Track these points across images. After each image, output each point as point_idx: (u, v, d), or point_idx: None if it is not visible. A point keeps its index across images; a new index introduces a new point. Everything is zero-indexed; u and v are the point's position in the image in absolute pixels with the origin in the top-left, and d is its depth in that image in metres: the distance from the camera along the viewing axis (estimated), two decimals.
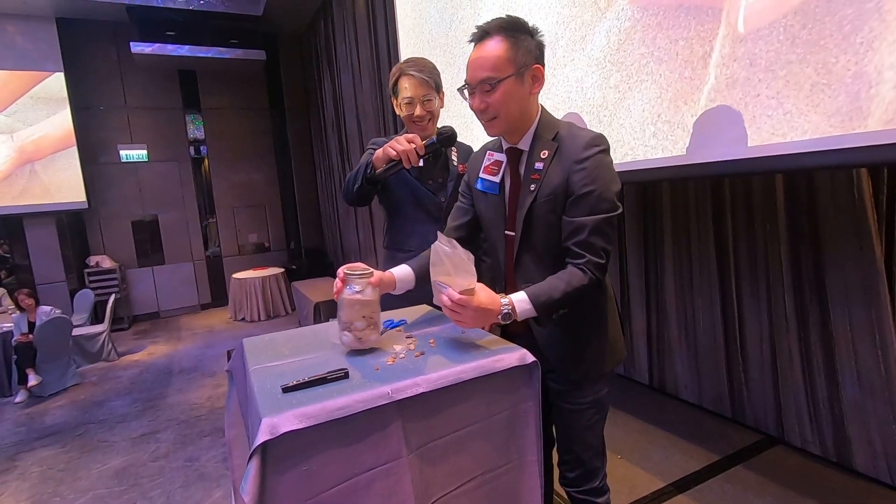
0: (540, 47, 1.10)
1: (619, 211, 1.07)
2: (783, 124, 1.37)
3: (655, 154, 1.74)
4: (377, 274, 1.14)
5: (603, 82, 1.90)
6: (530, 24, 1.09)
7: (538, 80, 1.10)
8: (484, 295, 1.02)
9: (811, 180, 1.98)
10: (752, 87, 1.44)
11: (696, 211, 2.49)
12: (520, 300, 1.04)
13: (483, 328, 1.15)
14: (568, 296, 1.04)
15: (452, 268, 1.02)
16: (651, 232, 2.77)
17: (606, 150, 1.07)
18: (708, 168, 1.60)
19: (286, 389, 0.89)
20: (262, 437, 0.76)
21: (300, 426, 0.79)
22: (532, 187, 1.11)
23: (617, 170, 1.85)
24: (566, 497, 1.27)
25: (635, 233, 2.85)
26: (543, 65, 1.11)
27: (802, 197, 2.02)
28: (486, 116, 1.11)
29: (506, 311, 1.03)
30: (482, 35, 1.08)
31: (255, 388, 0.92)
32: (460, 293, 1.00)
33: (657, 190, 2.67)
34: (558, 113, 2.11)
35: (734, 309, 2.37)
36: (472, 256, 1.03)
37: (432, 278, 1.07)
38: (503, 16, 1.08)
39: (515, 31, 1.06)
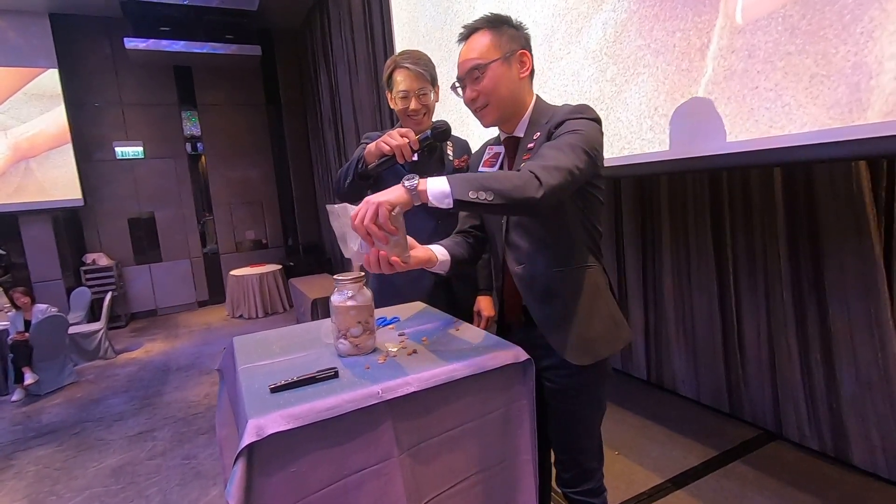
0: (526, 38, 1.14)
1: (588, 154, 0.98)
2: (782, 116, 1.35)
3: (653, 148, 1.72)
4: (419, 249, 1.07)
5: (599, 75, 1.88)
6: (514, 20, 1.13)
7: (525, 64, 1.12)
8: None
9: (809, 174, 1.96)
10: (750, 79, 1.41)
11: (693, 205, 2.47)
12: (434, 177, 0.91)
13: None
14: (493, 178, 0.89)
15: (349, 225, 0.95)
16: (649, 226, 2.75)
17: (593, 119, 1.05)
18: (705, 161, 1.58)
19: (274, 389, 0.87)
20: (248, 439, 0.75)
21: (287, 427, 0.78)
22: (522, 166, 1.10)
23: (614, 164, 1.86)
24: (563, 496, 1.25)
25: (633, 227, 2.83)
26: (530, 52, 1.13)
27: (801, 191, 2.00)
28: (478, 104, 1.13)
29: (409, 178, 0.91)
30: (468, 33, 1.13)
31: (243, 388, 0.90)
32: None
33: (655, 184, 2.65)
34: None
35: (732, 304, 2.35)
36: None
37: (351, 250, 1.00)
38: (487, 13, 1.13)
39: (499, 23, 1.11)
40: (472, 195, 0.87)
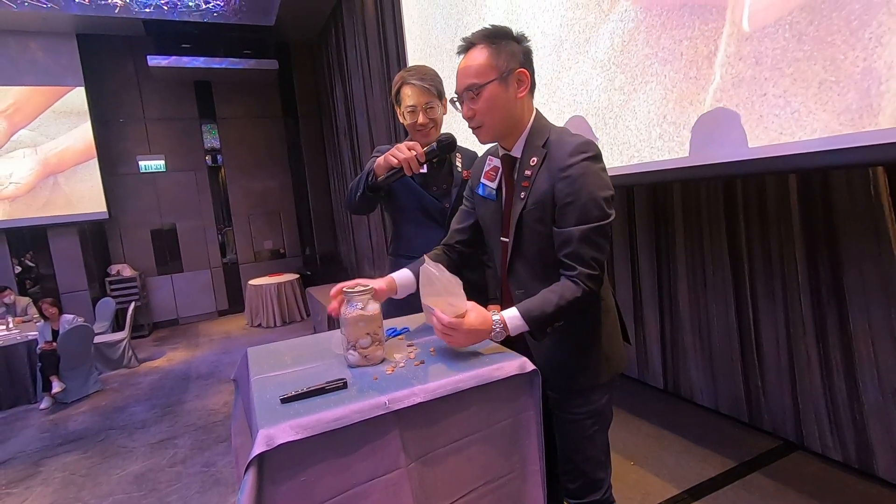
0: (526, 53, 1.11)
1: (611, 218, 1.04)
2: (791, 123, 1.34)
3: (662, 156, 1.72)
4: (379, 281, 1.14)
5: (608, 84, 1.88)
6: (516, 32, 1.10)
7: (524, 83, 1.10)
8: (474, 315, 1.02)
9: (825, 179, 1.93)
10: (758, 86, 1.41)
11: (708, 212, 2.45)
12: (511, 317, 1.04)
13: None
14: (561, 309, 1.02)
15: (442, 289, 1.02)
16: (663, 234, 2.73)
17: (594, 157, 1.05)
18: (716, 169, 1.58)
19: (285, 400, 0.89)
20: (258, 449, 0.77)
21: (297, 437, 0.80)
22: (522, 195, 1.11)
23: (624, 172, 1.87)
24: None
25: (647, 236, 2.81)
26: (530, 70, 1.11)
27: (817, 196, 1.97)
28: (473, 124, 1.13)
29: (497, 328, 1.04)
30: (467, 46, 1.11)
31: (254, 398, 0.93)
32: (452, 317, 1.00)
33: (668, 192, 2.63)
34: (563, 116, 2.09)
35: (749, 311, 2.31)
36: (459, 282, 1.04)
37: (423, 300, 1.07)
38: (488, 26, 1.10)
39: (498, 37, 1.08)
40: (549, 330, 1.06)
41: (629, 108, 1.81)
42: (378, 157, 1.49)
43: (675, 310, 2.70)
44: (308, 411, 0.85)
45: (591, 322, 1.15)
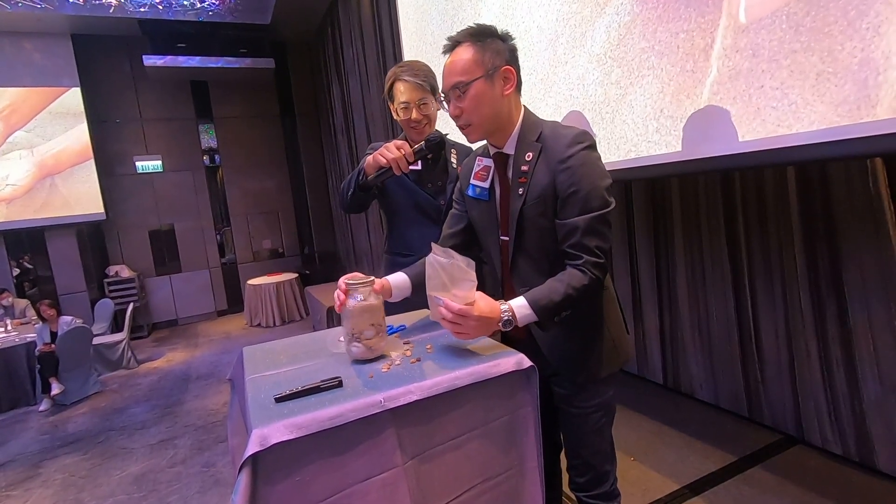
0: (512, 51, 1.10)
1: (612, 207, 1.05)
2: (789, 115, 1.33)
3: (659, 150, 1.71)
4: (375, 281, 1.14)
5: (604, 78, 1.87)
6: (501, 30, 1.10)
7: (510, 81, 1.09)
8: (484, 304, 1.01)
9: (824, 172, 1.92)
10: (755, 79, 1.40)
11: (706, 207, 2.44)
12: (519, 306, 1.03)
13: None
14: (569, 297, 1.02)
15: (448, 279, 1.01)
16: (661, 229, 2.72)
17: (591, 146, 1.05)
18: (714, 162, 1.57)
19: (279, 399, 0.89)
20: (251, 449, 0.76)
21: (291, 437, 0.79)
22: (520, 191, 1.10)
23: (621, 167, 1.86)
24: (576, 501, 1.25)
25: (645, 231, 2.80)
26: (516, 67, 1.10)
27: (816, 189, 1.96)
28: (460, 123, 1.12)
29: (506, 317, 1.02)
30: (453, 45, 1.11)
31: (249, 398, 0.92)
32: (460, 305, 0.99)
33: (666, 187, 2.62)
34: (560, 111, 2.08)
35: (748, 306, 2.31)
36: (471, 262, 1.02)
37: (428, 293, 1.06)
38: (472, 24, 1.10)
39: (483, 35, 1.08)
40: (556, 319, 1.08)
41: (626, 103, 1.80)
42: (370, 154, 1.48)
43: (674, 305, 2.70)
44: (302, 410, 0.84)
45: (597, 311, 1.15)
